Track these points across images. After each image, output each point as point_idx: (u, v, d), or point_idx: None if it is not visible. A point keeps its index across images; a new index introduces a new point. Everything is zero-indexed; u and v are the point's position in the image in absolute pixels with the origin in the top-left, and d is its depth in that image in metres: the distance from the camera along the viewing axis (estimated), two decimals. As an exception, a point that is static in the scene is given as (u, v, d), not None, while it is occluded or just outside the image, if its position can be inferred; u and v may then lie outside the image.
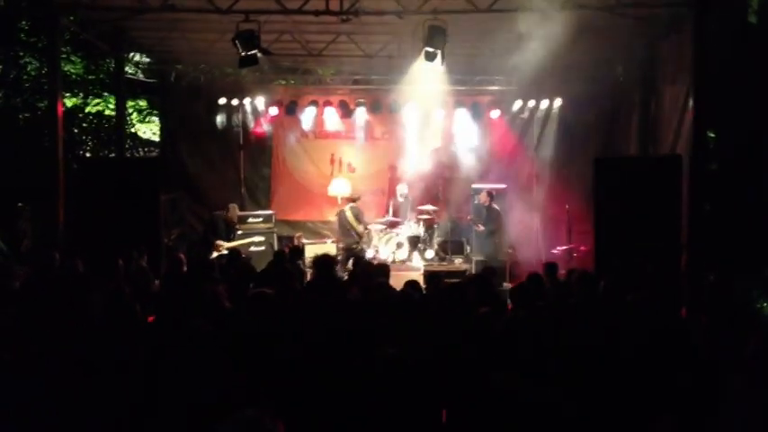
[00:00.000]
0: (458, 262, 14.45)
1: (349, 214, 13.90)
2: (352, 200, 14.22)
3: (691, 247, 10.48)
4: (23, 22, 17.46)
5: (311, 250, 14.24)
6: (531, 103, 15.59)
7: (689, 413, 4.34)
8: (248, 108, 16.03)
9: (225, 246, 12.49)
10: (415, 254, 14.28)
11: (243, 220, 14.97)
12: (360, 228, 13.91)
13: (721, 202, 12.58)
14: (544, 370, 4.42)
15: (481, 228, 13.56)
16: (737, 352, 4.56)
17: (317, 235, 15.99)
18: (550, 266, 9.22)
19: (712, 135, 13.33)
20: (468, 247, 14.78)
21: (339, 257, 13.33)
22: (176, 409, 4.08)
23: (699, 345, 4.80)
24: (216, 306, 6.17)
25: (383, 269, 8.38)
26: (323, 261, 7.92)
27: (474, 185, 14.91)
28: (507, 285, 10.90)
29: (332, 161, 16.29)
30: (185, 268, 8.82)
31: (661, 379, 4.58)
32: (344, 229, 13.97)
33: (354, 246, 13.72)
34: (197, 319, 4.87)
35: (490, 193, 13.66)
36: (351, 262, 11.98)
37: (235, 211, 13.52)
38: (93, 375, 4.49)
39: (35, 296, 6.62)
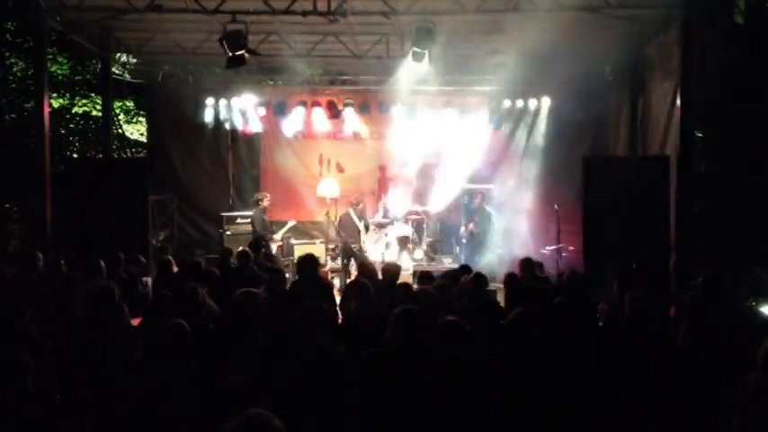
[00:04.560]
0: (447, 262, 14.44)
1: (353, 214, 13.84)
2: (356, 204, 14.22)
3: (679, 247, 10.52)
4: (9, 23, 17.34)
5: (300, 250, 14.20)
6: (520, 103, 15.59)
7: (674, 412, 4.35)
8: (236, 109, 15.96)
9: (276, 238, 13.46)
10: (404, 254, 14.25)
11: (231, 220, 14.97)
12: (360, 226, 13.82)
13: (709, 201, 12.62)
14: (536, 368, 4.43)
15: (474, 228, 13.62)
16: (729, 351, 4.58)
17: (306, 235, 15.93)
18: (525, 262, 9.22)
19: (700, 135, 13.38)
20: (458, 248, 14.78)
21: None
22: (165, 410, 4.06)
23: (685, 345, 4.80)
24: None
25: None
26: (305, 261, 7.82)
27: (463, 186, 14.92)
28: (497, 286, 10.89)
29: (320, 161, 16.20)
30: (175, 269, 8.78)
31: (648, 379, 4.59)
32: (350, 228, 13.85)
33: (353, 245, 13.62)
34: (180, 321, 4.84)
35: (484, 195, 13.74)
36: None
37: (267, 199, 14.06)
38: (80, 376, 4.47)
39: (20, 296, 6.58)
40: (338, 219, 14.02)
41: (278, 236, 13.75)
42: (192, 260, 9.28)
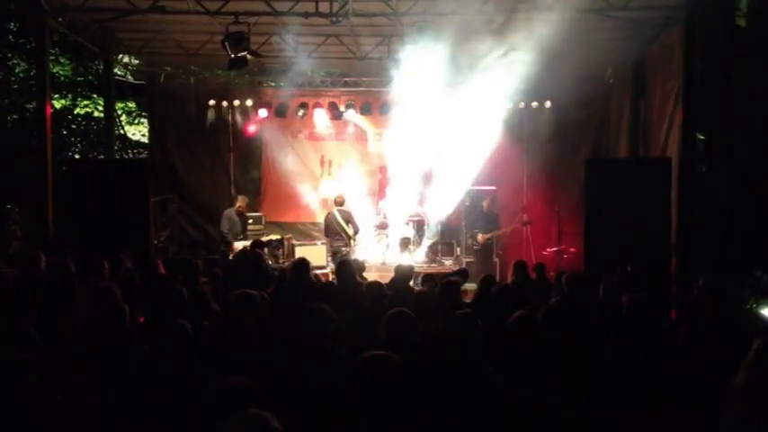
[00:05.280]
0: (448, 263, 14.43)
1: (338, 217, 13.81)
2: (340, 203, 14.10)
3: (680, 249, 10.51)
4: (11, 24, 17.37)
5: (302, 252, 14.20)
6: (522, 105, 15.57)
7: (674, 414, 4.35)
8: (238, 110, 15.98)
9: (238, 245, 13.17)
10: (405, 255, 14.23)
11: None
12: (350, 230, 13.80)
13: (710, 203, 12.62)
14: (537, 370, 4.43)
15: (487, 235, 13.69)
16: (730, 352, 4.57)
17: (308, 237, 15.93)
18: (517, 264, 9.22)
19: (701, 137, 13.38)
20: (458, 249, 14.77)
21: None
22: (167, 409, 4.07)
23: (685, 347, 4.80)
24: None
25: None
26: (297, 265, 7.79)
27: (465, 188, 14.91)
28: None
29: (322, 163, 16.25)
30: (162, 270, 8.74)
31: (648, 380, 4.59)
32: (333, 231, 13.83)
33: (343, 248, 13.64)
34: (181, 320, 4.84)
35: (494, 198, 13.83)
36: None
37: (245, 202, 14.30)
38: (81, 377, 4.47)
39: (21, 297, 6.59)
40: (324, 221, 14.01)
41: (241, 244, 13.29)
42: (181, 258, 9.25)
